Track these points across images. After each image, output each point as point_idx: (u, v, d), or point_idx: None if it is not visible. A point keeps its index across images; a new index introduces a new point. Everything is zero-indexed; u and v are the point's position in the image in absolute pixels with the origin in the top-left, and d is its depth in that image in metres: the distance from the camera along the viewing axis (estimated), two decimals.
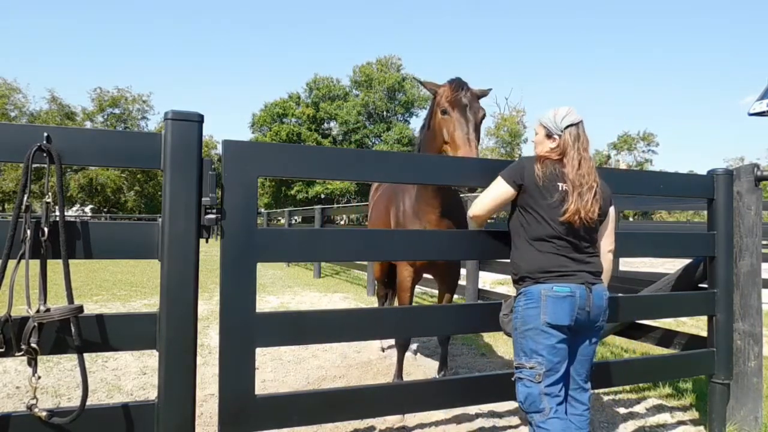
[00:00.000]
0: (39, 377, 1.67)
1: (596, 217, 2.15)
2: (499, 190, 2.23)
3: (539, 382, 2.05)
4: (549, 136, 2.23)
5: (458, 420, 3.18)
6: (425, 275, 3.83)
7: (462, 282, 6.99)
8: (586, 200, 2.10)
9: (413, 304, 3.91)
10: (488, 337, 5.39)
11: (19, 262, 1.66)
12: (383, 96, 41.33)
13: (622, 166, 43.01)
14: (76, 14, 70.38)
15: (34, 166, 1.70)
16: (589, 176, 2.14)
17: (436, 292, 7.80)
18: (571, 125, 2.18)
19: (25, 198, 1.67)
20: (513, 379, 2.16)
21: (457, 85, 2.89)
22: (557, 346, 2.06)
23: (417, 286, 4.42)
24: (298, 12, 78.69)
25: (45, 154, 1.72)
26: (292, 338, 2.14)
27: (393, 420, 3.12)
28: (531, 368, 2.07)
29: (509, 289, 8.99)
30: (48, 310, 1.66)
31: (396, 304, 4.89)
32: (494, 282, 9.75)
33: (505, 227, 2.37)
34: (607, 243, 2.33)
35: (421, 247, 2.39)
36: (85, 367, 1.71)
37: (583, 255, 2.16)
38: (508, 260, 2.35)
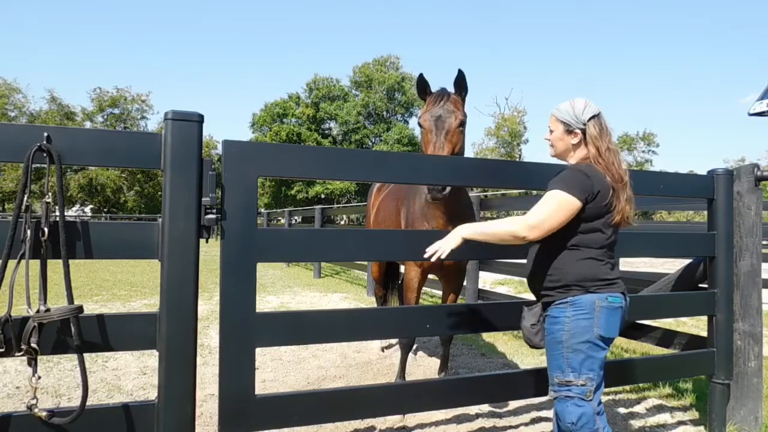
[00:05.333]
0: (39, 377, 1.67)
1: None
2: (571, 208, 1.90)
3: (590, 400, 1.89)
4: (569, 131, 2.04)
5: (458, 420, 3.18)
6: (430, 276, 3.83)
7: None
8: (627, 198, 1.98)
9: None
10: (488, 337, 5.39)
11: (19, 262, 1.66)
12: (383, 96, 41.36)
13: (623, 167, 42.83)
14: (76, 14, 70.41)
15: (34, 166, 1.70)
16: (623, 171, 2.00)
17: (436, 291, 7.83)
18: (594, 116, 2.01)
19: (25, 198, 1.67)
20: (555, 398, 1.96)
21: (433, 98, 3.06)
22: (604, 359, 1.94)
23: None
24: (298, 12, 78.75)
25: (45, 154, 1.72)
26: (292, 338, 2.14)
27: (393, 420, 3.12)
28: (582, 385, 1.89)
29: (509, 289, 8.98)
30: (48, 310, 1.66)
31: (396, 303, 4.91)
32: (494, 282, 9.75)
33: None
34: None
35: (421, 247, 2.39)
36: (85, 367, 1.71)
37: (614, 260, 2.04)
38: (507, 260, 2.33)
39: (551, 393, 1.98)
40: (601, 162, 1.97)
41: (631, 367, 2.94)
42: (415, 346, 5.01)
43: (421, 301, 7.22)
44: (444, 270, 3.57)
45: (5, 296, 1.59)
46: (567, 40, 79.30)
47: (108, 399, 3.54)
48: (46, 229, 1.69)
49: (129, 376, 4.02)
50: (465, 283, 6.25)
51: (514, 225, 1.90)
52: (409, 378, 3.88)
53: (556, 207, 1.90)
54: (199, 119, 1.89)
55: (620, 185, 1.97)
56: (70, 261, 1.72)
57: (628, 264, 11.40)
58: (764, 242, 5.29)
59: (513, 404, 3.40)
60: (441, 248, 1.98)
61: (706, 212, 3.11)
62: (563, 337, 1.93)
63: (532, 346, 2.10)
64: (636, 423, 3.23)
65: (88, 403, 1.71)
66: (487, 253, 2.65)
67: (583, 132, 2.01)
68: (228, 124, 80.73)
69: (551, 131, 2.12)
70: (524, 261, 2.27)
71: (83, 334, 1.74)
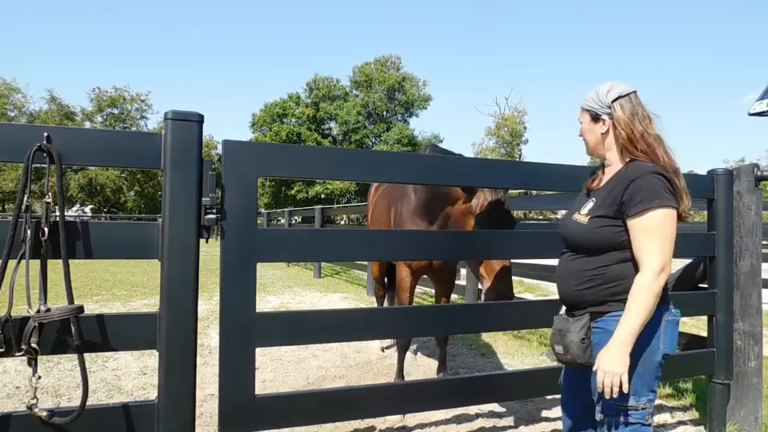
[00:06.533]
0: (39, 377, 1.67)
1: None
2: (675, 223, 1.68)
3: (650, 424, 1.71)
4: (596, 118, 1.82)
5: (458, 420, 3.18)
6: (425, 276, 3.86)
7: (462, 282, 6.98)
8: (683, 187, 1.75)
9: (413, 304, 3.92)
10: (488, 337, 5.39)
11: (19, 262, 1.66)
12: (383, 96, 41.37)
13: None
14: (76, 13, 70.41)
15: (34, 166, 1.70)
16: (671, 158, 1.75)
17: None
18: (621, 96, 1.76)
19: (25, 198, 1.67)
20: (607, 422, 1.72)
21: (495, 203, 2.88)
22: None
23: (417, 286, 4.43)
24: (299, 12, 78.75)
25: (45, 154, 1.72)
26: (292, 338, 2.14)
27: (393, 420, 3.12)
28: (643, 409, 1.69)
29: None
30: (48, 310, 1.66)
31: (395, 303, 4.91)
32: None
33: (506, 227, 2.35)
34: None
35: (420, 247, 2.39)
36: (85, 367, 1.71)
37: None
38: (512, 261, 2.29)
39: (599, 416, 1.72)
40: (637, 148, 1.73)
41: None
42: (414, 347, 5.01)
43: (421, 301, 7.19)
44: (433, 271, 3.60)
45: (5, 296, 1.59)
46: (567, 39, 79.35)
47: (108, 399, 3.54)
48: (46, 229, 1.69)
49: (129, 376, 4.02)
50: (465, 283, 6.26)
51: (660, 281, 1.61)
52: (409, 378, 3.88)
53: (671, 231, 1.65)
54: (199, 119, 1.89)
55: (672, 174, 1.72)
56: (70, 261, 1.72)
57: None
58: (764, 242, 5.29)
59: (513, 404, 3.40)
60: (614, 379, 1.62)
61: (706, 212, 3.11)
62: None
63: (576, 364, 1.77)
64: None
65: (88, 403, 1.71)
66: (486, 254, 2.64)
67: (611, 117, 1.78)
68: (228, 124, 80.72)
69: (581, 123, 1.90)
70: (525, 261, 2.24)
71: (83, 334, 1.74)
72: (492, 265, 2.72)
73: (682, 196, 1.75)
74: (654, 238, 1.63)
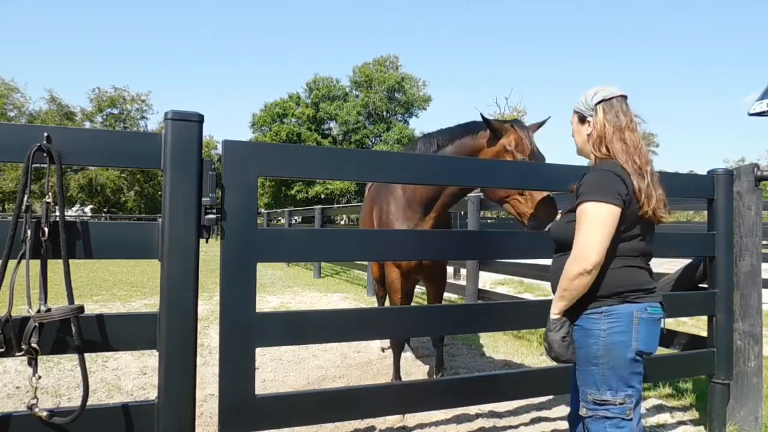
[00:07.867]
0: (39, 377, 1.67)
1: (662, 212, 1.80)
2: (614, 220, 1.69)
3: (630, 419, 1.74)
4: (582, 120, 1.90)
5: (458, 420, 3.18)
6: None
7: (462, 282, 6.99)
8: (650, 186, 1.76)
9: (411, 304, 3.92)
10: (488, 337, 5.39)
11: (19, 262, 1.66)
12: (383, 96, 41.35)
13: None
14: (76, 13, 70.37)
15: (34, 166, 1.70)
16: (644, 161, 1.78)
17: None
18: (605, 99, 1.82)
19: (25, 198, 1.67)
20: (589, 417, 1.79)
21: (526, 130, 2.95)
22: (642, 373, 1.79)
23: (418, 287, 4.43)
24: (299, 12, 78.71)
25: (45, 154, 1.72)
26: (292, 338, 2.14)
27: (393, 420, 3.12)
28: (621, 404, 1.73)
29: (509, 289, 8.98)
30: (48, 310, 1.66)
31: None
32: (494, 282, 9.74)
33: (503, 227, 2.35)
34: None
35: (418, 247, 2.39)
36: (85, 366, 1.71)
37: (650, 266, 1.87)
38: (507, 260, 2.31)
39: (583, 411, 1.80)
40: (600, 150, 1.80)
41: None
42: (414, 346, 5.01)
43: (421, 301, 7.17)
44: (424, 271, 3.58)
45: (5, 296, 1.59)
46: (567, 39, 79.32)
47: (108, 399, 3.54)
48: (46, 229, 1.69)
49: (129, 376, 4.02)
50: (465, 283, 6.26)
51: (575, 269, 1.68)
52: (408, 378, 3.88)
53: (602, 223, 1.67)
54: (199, 119, 1.89)
55: (635, 174, 1.75)
56: (70, 261, 1.72)
57: None
58: (764, 242, 5.28)
59: (513, 404, 3.40)
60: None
61: (706, 212, 3.11)
62: (598, 352, 1.74)
63: (561, 361, 1.83)
64: None
65: (88, 403, 1.71)
66: (485, 253, 2.65)
67: (593, 117, 1.85)
68: (228, 124, 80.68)
69: (572, 126, 1.97)
70: (525, 261, 2.25)
71: (83, 334, 1.74)
72: (534, 196, 2.76)
73: (639, 196, 1.74)
74: (581, 228, 1.70)
